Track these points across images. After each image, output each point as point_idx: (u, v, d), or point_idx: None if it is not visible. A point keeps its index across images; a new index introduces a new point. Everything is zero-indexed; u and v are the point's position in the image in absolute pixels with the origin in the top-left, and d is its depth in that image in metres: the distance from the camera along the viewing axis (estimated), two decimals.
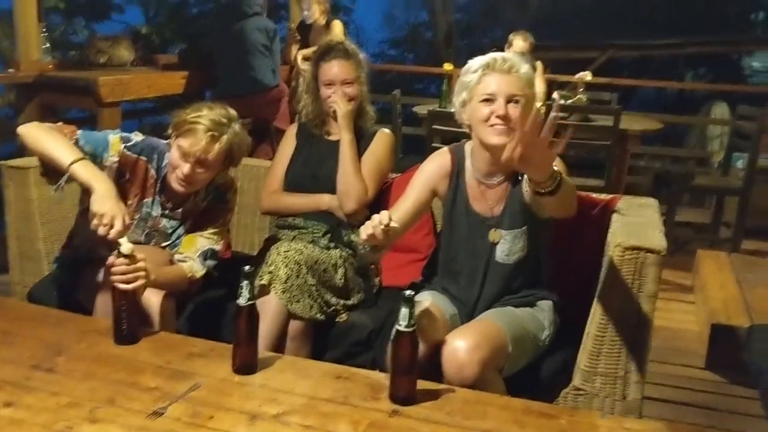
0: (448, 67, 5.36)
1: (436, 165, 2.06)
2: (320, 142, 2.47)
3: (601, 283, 1.88)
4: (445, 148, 2.09)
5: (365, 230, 1.69)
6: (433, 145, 3.96)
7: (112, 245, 1.81)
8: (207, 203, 2.19)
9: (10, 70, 4.10)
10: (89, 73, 4.06)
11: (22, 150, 2.12)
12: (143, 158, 2.13)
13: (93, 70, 4.27)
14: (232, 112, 2.11)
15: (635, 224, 1.99)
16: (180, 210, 2.17)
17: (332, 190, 2.35)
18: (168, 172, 2.09)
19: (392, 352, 1.55)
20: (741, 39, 13.27)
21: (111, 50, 4.41)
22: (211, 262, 2.13)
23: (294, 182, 2.43)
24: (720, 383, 2.90)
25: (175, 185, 2.05)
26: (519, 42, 4.65)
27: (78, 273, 2.15)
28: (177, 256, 2.12)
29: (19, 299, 2.34)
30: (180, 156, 2.01)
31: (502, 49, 4.73)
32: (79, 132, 2.05)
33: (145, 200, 2.15)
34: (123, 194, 2.08)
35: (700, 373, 2.98)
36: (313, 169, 2.41)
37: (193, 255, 2.11)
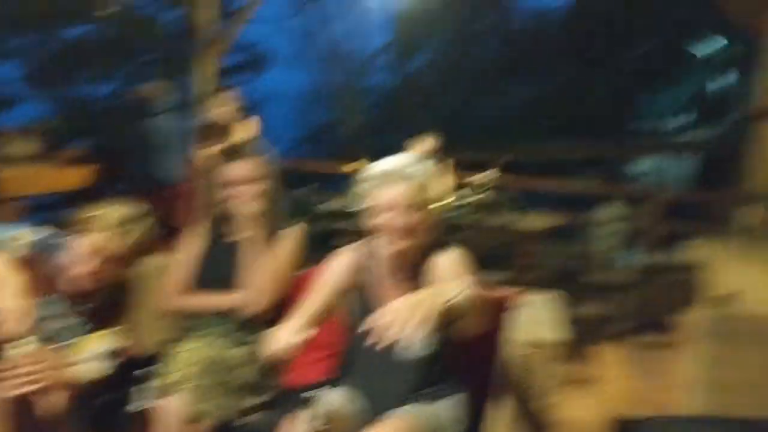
0: (357, 165, 5.51)
1: (345, 260, 2.09)
2: (225, 243, 2.44)
3: (505, 376, 1.91)
4: (355, 244, 2.13)
5: (275, 343, 1.68)
6: (341, 240, 4.02)
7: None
8: (109, 300, 2.11)
9: None
10: None
11: None
12: (36, 259, 2.06)
13: None
14: (142, 207, 2.11)
15: (538, 318, 2.06)
16: (80, 308, 2.09)
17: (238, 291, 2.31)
18: (71, 269, 2.01)
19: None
20: (628, 144, 14.30)
21: (14, 144, 4.29)
22: (109, 364, 2.03)
23: (199, 283, 2.39)
24: None
25: (80, 282, 1.99)
26: (426, 143, 4.84)
27: None
28: (74, 358, 2.01)
29: None
30: (85, 252, 1.95)
31: (408, 150, 4.93)
32: None
33: (44, 299, 2.06)
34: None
35: None
36: (219, 270, 2.38)
37: (91, 356, 2.01)
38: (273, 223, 2.46)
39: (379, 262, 2.04)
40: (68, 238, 2.09)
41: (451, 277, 1.93)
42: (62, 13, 9.80)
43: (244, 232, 2.36)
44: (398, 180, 1.91)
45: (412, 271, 2.01)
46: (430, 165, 1.99)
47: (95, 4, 8.72)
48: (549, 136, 14.52)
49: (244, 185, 2.36)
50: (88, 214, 2.00)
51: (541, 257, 6.06)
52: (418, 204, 1.92)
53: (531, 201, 5.74)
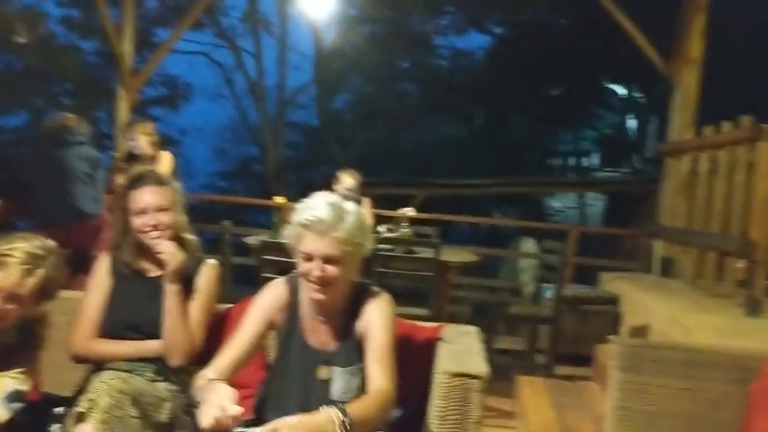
0: (279, 199, 5.50)
1: (271, 297, 2.03)
2: (137, 281, 2.30)
3: (431, 410, 1.92)
4: (281, 279, 2.08)
5: (208, 417, 1.62)
6: (265, 274, 3.97)
7: None
8: (15, 339, 2.00)
9: None
10: None
11: None
12: None
13: None
14: (49, 243, 2.01)
15: (459, 351, 2.08)
16: None
17: (156, 336, 2.19)
18: None
19: None
20: (541, 181, 14.83)
21: None
22: (17, 405, 1.92)
23: (113, 328, 2.24)
24: None
25: None
26: (347, 179, 4.89)
27: None
28: None
29: None
30: None
31: (329, 186, 4.95)
32: None
33: None
34: None
35: None
36: (134, 314, 2.23)
37: None
38: (189, 253, 2.32)
39: (305, 300, 1.99)
40: None
41: (379, 327, 1.92)
42: None
43: (166, 282, 2.21)
44: (322, 232, 1.85)
45: (337, 314, 1.97)
46: (356, 213, 1.92)
47: (15, 31, 8.46)
48: (467, 173, 14.89)
49: (154, 212, 2.23)
50: None
51: (460, 291, 6.17)
52: (345, 254, 1.87)
53: (450, 236, 5.86)
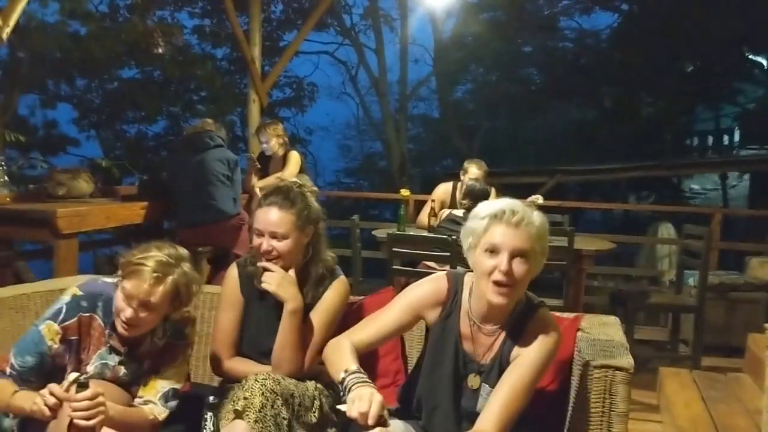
0: (405, 192, 5.55)
1: (429, 290, 1.93)
2: (266, 302, 2.24)
3: (571, 403, 1.86)
4: (443, 275, 1.97)
5: (357, 410, 1.58)
6: (394, 267, 4.02)
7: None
8: (165, 340, 2.11)
9: None
10: (47, 205, 4.04)
11: None
12: (85, 315, 2.06)
13: (51, 202, 4.25)
14: (182, 251, 2.04)
15: (601, 342, 2.00)
16: (137, 352, 2.09)
17: None
18: (114, 317, 2.01)
19: None
20: (679, 163, 14.02)
21: (70, 183, 4.41)
22: (173, 403, 2.03)
23: (246, 352, 2.27)
24: None
25: (120, 329, 1.99)
26: (474, 170, 4.80)
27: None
28: (137, 400, 2.03)
29: None
30: (123, 298, 1.95)
31: (457, 176, 4.92)
32: (11, 353, 2.00)
33: (98, 352, 2.07)
34: (76, 355, 2.04)
35: None
36: (266, 339, 2.21)
37: (153, 397, 2.02)
38: (321, 270, 2.26)
39: (473, 302, 1.88)
40: (111, 283, 2.08)
41: (529, 363, 1.76)
42: (119, 56, 10.13)
43: (283, 297, 2.15)
44: (513, 224, 1.74)
45: (500, 327, 1.85)
46: (541, 215, 1.79)
47: (153, 44, 9.02)
48: (597, 158, 14.35)
49: (268, 237, 2.15)
50: (128, 260, 1.97)
51: (594, 281, 5.96)
52: (534, 251, 1.75)
53: (580, 224, 5.67)
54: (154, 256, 1.96)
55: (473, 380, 1.87)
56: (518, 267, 1.73)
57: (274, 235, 2.14)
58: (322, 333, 2.18)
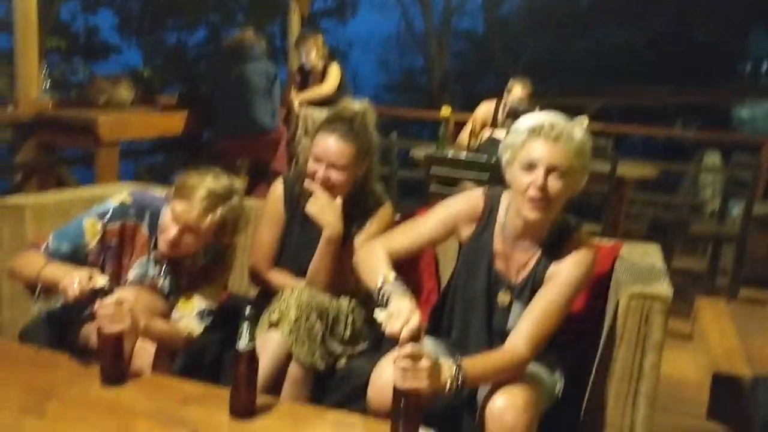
0: (446, 111, 5.40)
1: (465, 206, 1.92)
2: (311, 224, 2.19)
3: (605, 331, 1.85)
4: (480, 191, 1.95)
5: (394, 325, 1.57)
6: (431, 188, 3.98)
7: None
8: (205, 262, 2.12)
9: (8, 109, 4.09)
10: (89, 113, 4.06)
11: (17, 187, 2.09)
12: (131, 221, 2.09)
13: (92, 109, 4.27)
14: (237, 185, 2.04)
15: (640, 271, 1.97)
16: (177, 268, 2.11)
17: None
18: (159, 234, 2.02)
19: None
20: (729, 89, 13.50)
21: (112, 90, 4.42)
22: (208, 320, 2.08)
23: (288, 268, 2.28)
24: None
25: (161, 246, 2.00)
26: (518, 89, 4.65)
27: (69, 313, 2.11)
28: (174, 315, 2.07)
29: (10, 339, 2.28)
30: (171, 218, 1.96)
31: (500, 95, 4.79)
32: (51, 235, 2.04)
33: (139, 260, 2.10)
34: (116, 260, 2.07)
35: (702, 424, 2.92)
36: (305, 259, 2.21)
37: (190, 314, 2.05)
38: (370, 203, 2.24)
39: (508, 219, 1.85)
40: (161, 198, 2.11)
41: (564, 284, 1.75)
42: None
43: (323, 222, 2.13)
44: (552, 138, 1.69)
45: (535, 245, 1.82)
46: (583, 130, 1.73)
47: None
48: (644, 81, 13.88)
49: (325, 167, 2.11)
50: (184, 180, 1.97)
51: (636, 207, 5.86)
52: (573, 168, 1.71)
53: (623, 149, 5.52)
54: (208, 184, 1.95)
55: (504, 298, 1.87)
56: (554, 183, 1.70)
57: (332, 165, 2.11)
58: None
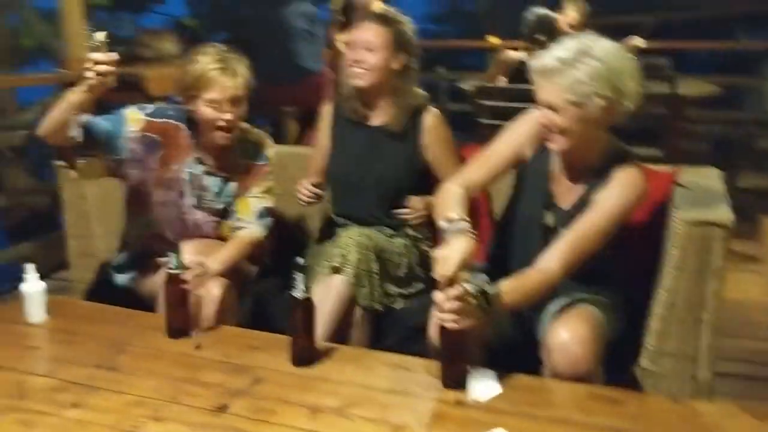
0: (494, 40, 5.21)
1: (528, 126, 1.88)
2: (359, 131, 2.27)
3: (666, 259, 1.81)
4: (537, 112, 1.90)
5: (444, 269, 1.55)
6: (482, 121, 3.89)
7: (164, 243, 1.82)
8: (247, 162, 2.17)
9: (61, 70, 4.15)
10: (136, 69, 4.09)
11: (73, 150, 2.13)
12: (172, 121, 2.12)
13: (139, 65, 4.30)
14: (219, 45, 2.10)
15: (699, 197, 1.90)
16: (220, 166, 2.16)
17: (381, 188, 2.23)
18: (203, 131, 2.07)
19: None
20: None
21: (156, 44, 4.44)
22: (268, 220, 2.16)
23: (338, 180, 2.32)
24: None
25: (219, 140, 2.05)
26: (572, 11, 4.35)
27: (137, 269, 2.18)
28: (236, 223, 2.14)
29: (80, 297, 2.38)
30: (214, 109, 2.01)
31: (551, 22, 4.55)
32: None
33: (185, 160, 2.14)
34: (158, 156, 2.10)
35: None
36: (357, 167, 2.26)
37: (250, 218, 2.13)
38: (405, 103, 2.24)
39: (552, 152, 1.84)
40: (180, 106, 2.13)
41: (605, 208, 1.73)
42: None
43: (375, 116, 2.23)
44: (543, 75, 1.68)
45: (584, 174, 1.81)
46: (602, 60, 1.66)
47: None
48: None
49: (361, 50, 2.15)
50: (191, 77, 2.01)
51: (700, 127, 5.64)
52: (560, 104, 1.67)
53: (684, 66, 5.28)
54: (209, 59, 2.02)
55: (550, 220, 1.86)
56: (554, 118, 1.69)
57: (367, 46, 2.15)
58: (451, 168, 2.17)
